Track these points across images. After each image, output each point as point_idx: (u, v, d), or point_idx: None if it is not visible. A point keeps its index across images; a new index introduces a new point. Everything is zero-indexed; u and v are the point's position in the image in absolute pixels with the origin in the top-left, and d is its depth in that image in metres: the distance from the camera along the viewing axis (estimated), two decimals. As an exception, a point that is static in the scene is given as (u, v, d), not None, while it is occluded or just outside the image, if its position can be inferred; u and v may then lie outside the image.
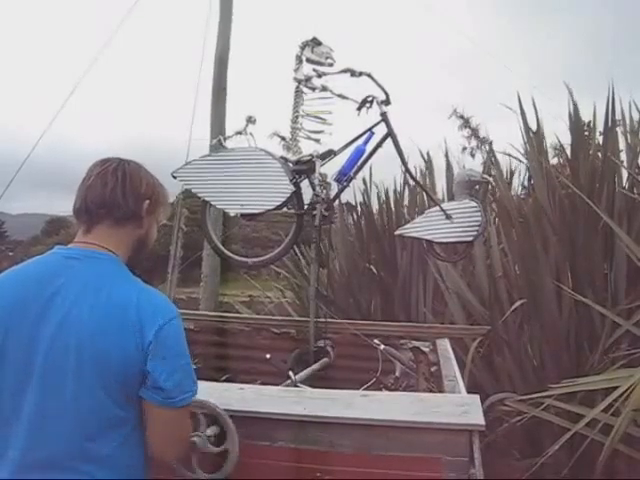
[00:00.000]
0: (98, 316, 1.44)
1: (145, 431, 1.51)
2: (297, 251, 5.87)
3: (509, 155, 5.46)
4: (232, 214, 3.25)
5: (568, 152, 4.87)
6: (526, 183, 5.66)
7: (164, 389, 1.45)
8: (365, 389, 2.96)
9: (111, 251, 1.55)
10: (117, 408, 1.46)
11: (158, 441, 1.51)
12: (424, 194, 5.08)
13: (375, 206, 5.99)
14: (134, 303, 1.46)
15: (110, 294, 1.47)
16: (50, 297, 1.46)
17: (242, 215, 3.25)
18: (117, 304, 1.45)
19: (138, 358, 1.43)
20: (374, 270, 5.62)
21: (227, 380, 3.28)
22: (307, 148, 3.27)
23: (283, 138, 3.31)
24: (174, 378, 1.47)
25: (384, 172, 5.73)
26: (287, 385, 2.71)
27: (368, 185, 5.92)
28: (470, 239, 3.16)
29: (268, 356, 3.04)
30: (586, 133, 4.89)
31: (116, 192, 1.57)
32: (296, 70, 3.29)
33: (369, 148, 3.21)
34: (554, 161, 5.43)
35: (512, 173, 5.79)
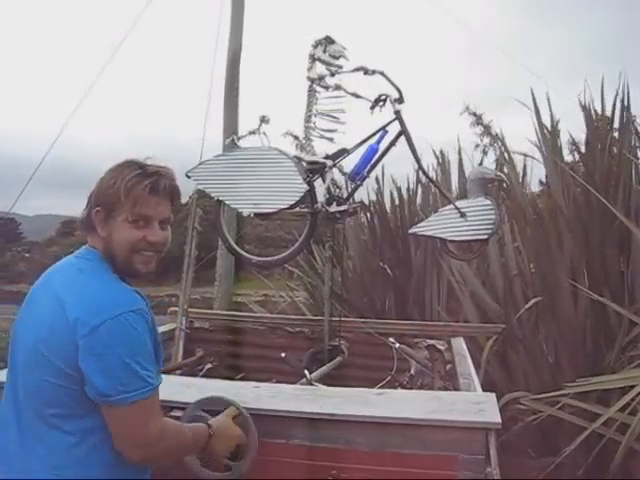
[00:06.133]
0: (47, 314, 1.52)
1: None
2: (311, 250, 5.87)
3: (524, 155, 5.41)
4: (246, 214, 3.26)
5: (582, 148, 4.84)
6: (543, 180, 5.62)
7: (97, 387, 1.46)
8: (380, 387, 2.96)
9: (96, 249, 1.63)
10: (70, 400, 1.50)
11: (114, 439, 1.51)
12: (437, 192, 5.06)
13: (388, 205, 5.97)
14: (75, 300, 1.50)
15: (61, 291, 1.54)
16: (42, 290, 1.62)
17: (256, 215, 3.25)
18: (62, 301, 1.51)
19: (76, 354, 1.47)
20: (388, 269, 5.60)
21: (242, 379, 3.30)
22: (320, 147, 3.27)
23: (296, 137, 3.31)
24: (109, 376, 1.46)
25: (397, 170, 5.72)
26: (302, 383, 2.72)
27: (381, 184, 5.91)
28: (484, 237, 3.14)
29: (283, 355, 3.05)
30: (600, 128, 4.84)
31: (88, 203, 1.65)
32: (309, 69, 3.29)
33: (382, 147, 3.20)
34: (569, 158, 5.38)
35: (525, 171, 5.73)
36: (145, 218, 1.61)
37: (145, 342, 1.53)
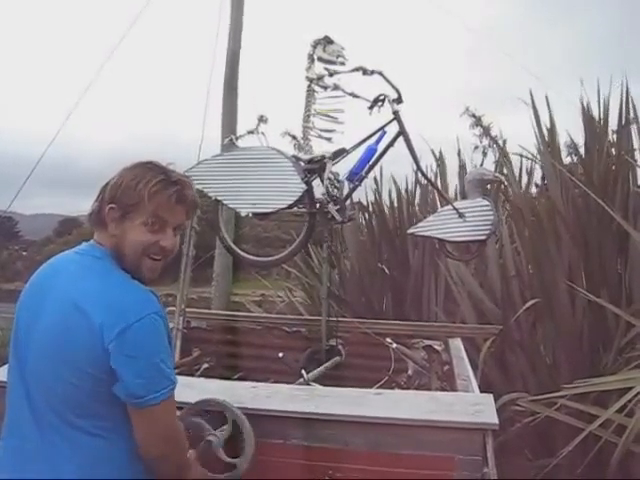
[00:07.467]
0: (61, 315, 1.51)
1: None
2: (309, 250, 5.86)
3: (522, 156, 5.41)
4: (244, 214, 3.25)
5: (581, 150, 4.84)
6: (539, 182, 5.62)
7: (130, 388, 1.47)
8: (377, 388, 2.96)
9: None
10: (92, 401, 1.50)
11: (139, 439, 1.51)
12: (436, 193, 5.07)
13: (387, 205, 5.96)
14: (96, 302, 1.49)
15: (74, 293, 1.52)
16: (48, 290, 1.57)
17: (254, 214, 3.25)
18: (78, 303, 1.49)
19: (103, 356, 1.46)
20: (386, 269, 5.60)
21: (240, 379, 3.29)
22: (319, 147, 3.27)
23: (294, 137, 3.31)
24: (141, 377, 1.47)
25: (396, 171, 5.72)
26: (299, 384, 2.72)
27: (379, 184, 5.91)
28: (483, 238, 3.15)
29: (280, 355, 3.04)
30: (598, 130, 4.84)
31: (100, 197, 1.63)
32: (308, 69, 3.29)
33: (381, 147, 3.20)
34: (567, 160, 5.39)
35: (529, 172, 5.71)
36: (163, 224, 1.60)
37: (165, 341, 1.55)
